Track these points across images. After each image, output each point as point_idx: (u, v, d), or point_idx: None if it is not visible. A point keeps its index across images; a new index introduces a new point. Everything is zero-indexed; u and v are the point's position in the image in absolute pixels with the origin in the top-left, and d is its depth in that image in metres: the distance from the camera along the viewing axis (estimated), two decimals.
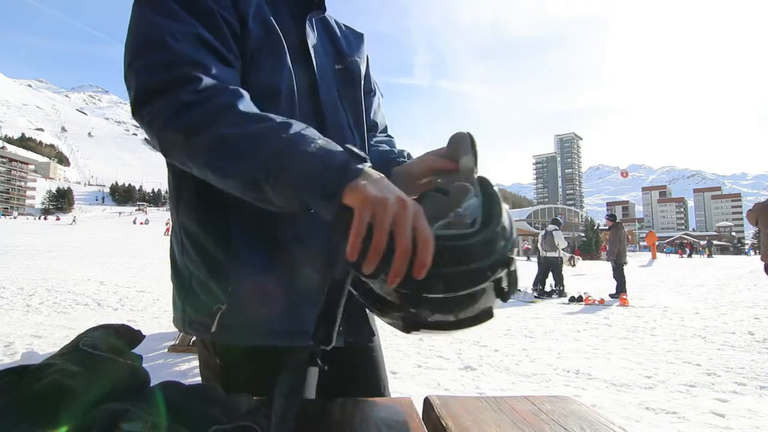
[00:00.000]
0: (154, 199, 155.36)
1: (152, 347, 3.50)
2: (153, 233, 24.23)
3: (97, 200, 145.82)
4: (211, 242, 0.63)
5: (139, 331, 0.41)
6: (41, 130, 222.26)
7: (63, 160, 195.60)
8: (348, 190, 0.44)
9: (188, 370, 3.02)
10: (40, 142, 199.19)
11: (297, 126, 0.51)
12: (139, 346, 0.41)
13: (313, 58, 0.70)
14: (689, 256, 25.97)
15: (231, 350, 0.64)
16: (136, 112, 0.54)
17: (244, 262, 0.61)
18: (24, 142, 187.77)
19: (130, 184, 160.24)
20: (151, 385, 0.35)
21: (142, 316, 4.85)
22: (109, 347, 0.35)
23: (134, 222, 56.07)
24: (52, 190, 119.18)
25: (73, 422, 0.28)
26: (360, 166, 0.46)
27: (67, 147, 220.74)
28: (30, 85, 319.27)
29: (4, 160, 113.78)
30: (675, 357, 3.60)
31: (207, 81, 0.53)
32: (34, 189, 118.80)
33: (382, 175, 0.47)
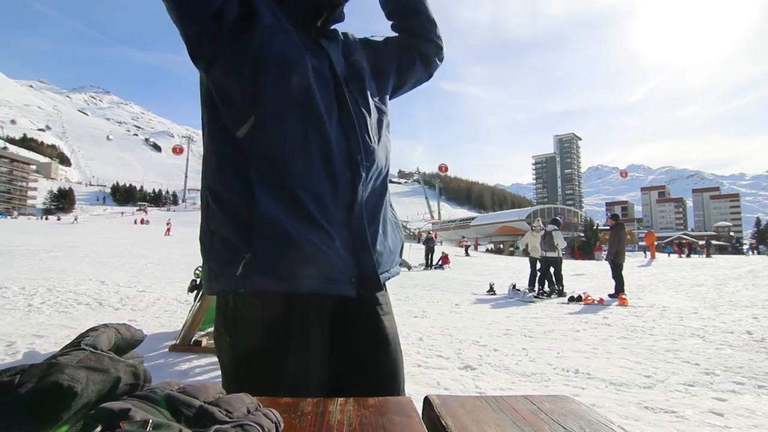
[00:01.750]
0: (155, 200, 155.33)
1: (153, 347, 3.50)
2: (154, 233, 24.21)
3: (98, 200, 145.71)
4: (236, 200, 0.68)
5: (140, 331, 0.41)
6: (42, 130, 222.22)
7: (64, 161, 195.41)
8: None
9: (189, 369, 3.02)
10: (42, 143, 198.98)
11: None
12: (141, 346, 0.41)
13: (327, 48, 0.80)
14: (688, 256, 25.91)
15: (251, 298, 0.68)
16: None
17: (266, 215, 0.66)
18: (26, 142, 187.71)
19: (131, 185, 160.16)
20: (152, 384, 0.35)
21: (143, 316, 4.86)
22: (110, 347, 0.36)
23: (135, 222, 56.06)
24: (53, 191, 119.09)
25: (73, 422, 0.28)
26: None
27: (68, 147, 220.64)
28: (31, 86, 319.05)
29: (5, 160, 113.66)
30: (674, 356, 3.61)
31: None
32: (35, 189, 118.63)
33: None
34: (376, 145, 0.81)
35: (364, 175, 0.76)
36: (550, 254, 8.44)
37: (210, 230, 0.71)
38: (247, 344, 0.69)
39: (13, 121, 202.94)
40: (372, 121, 0.83)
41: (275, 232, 0.66)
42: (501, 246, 47.80)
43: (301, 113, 0.71)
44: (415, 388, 2.72)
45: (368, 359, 0.79)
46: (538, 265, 8.77)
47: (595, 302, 7.08)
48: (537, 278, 8.68)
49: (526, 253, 9.92)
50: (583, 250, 36.58)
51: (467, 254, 17.21)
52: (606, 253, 9.39)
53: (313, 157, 0.71)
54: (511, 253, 9.31)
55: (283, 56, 0.71)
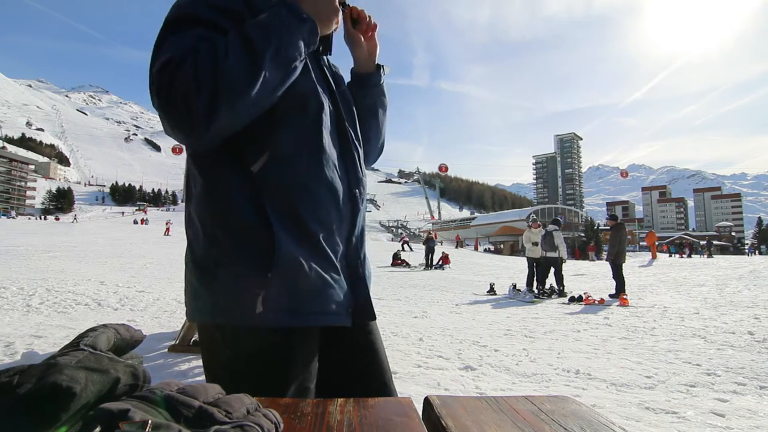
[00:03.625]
0: (154, 199, 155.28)
1: (152, 347, 3.49)
2: (153, 233, 24.20)
3: (97, 200, 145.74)
4: (251, 233, 0.68)
5: (139, 331, 0.41)
6: (41, 130, 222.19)
7: (63, 160, 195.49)
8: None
9: (188, 370, 3.02)
10: (40, 142, 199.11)
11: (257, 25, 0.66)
12: (140, 346, 0.41)
13: (330, 79, 0.84)
14: (689, 256, 25.88)
15: (259, 332, 0.68)
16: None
17: (286, 254, 0.67)
18: (24, 142, 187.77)
19: (130, 184, 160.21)
20: (152, 385, 0.34)
21: (143, 316, 4.85)
22: (109, 347, 0.35)
23: (135, 222, 56.09)
24: (52, 190, 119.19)
25: (72, 423, 0.28)
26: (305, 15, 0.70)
27: (67, 147, 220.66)
28: (30, 85, 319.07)
29: (4, 160, 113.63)
30: (675, 357, 3.60)
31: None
32: (34, 189, 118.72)
33: None
34: (366, 178, 0.87)
35: (361, 207, 0.81)
36: (550, 254, 8.43)
37: (214, 261, 0.69)
38: (248, 356, 0.69)
39: (29, 123, 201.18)
40: (361, 154, 0.87)
41: (296, 272, 0.68)
42: (501, 246, 47.76)
43: (312, 149, 0.74)
44: (415, 388, 2.71)
45: (362, 369, 0.81)
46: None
47: (596, 302, 7.07)
48: (536, 278, 8.67)
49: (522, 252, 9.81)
50: (584, 250, 36.63)
51: (403, 249, 17.96)
52: (606, 253, 9.36)
53: (322, 192, 0.73)
54: (519, 251, 9.13)
55: (301, 95, 0.74)
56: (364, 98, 0.96)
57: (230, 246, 0.68)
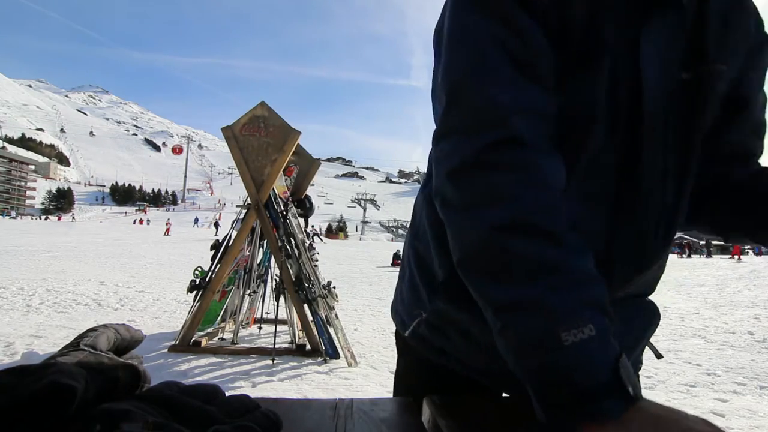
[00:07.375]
0: (154, 199, 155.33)
1: (152, 347, 3.50)
2: (153, 233, 24.19)
3: (97, 200, 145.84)
4: (434, 261, 0.60)
5: (139, 331, 0.41)
6: (41, 130, 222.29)
7: (63, 160, 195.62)
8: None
9: (188, 370, 3.02)
10: (41, 143, 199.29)
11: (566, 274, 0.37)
12: (140, 346, 0.41)
13: (644, 74, 0.46)
14: (688, 256, 25.91)
15: (414, 352, 0.68)
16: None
17: (452, 291, 0.57)
18: (24, 142, 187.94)
19: (130, 184, 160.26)
20: (152, 385, 0.34)
21: (142, 316, 4.86)
22: (109, 347, 0.35)
23: (134, 222, 56.15)
24: (52, 190, 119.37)
25: (73, 422, 0.28)
26: (613, 406, 0.32)
27: (67, 147, 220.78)
28: (30, 86, 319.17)
29: (4, 160, 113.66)
30: (675, 357, 3.61)
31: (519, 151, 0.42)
32: (34, 189, 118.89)
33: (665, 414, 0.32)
34: (664, 244, 0.54)
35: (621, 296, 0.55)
36: None
37: (409, 262, 0.67)
38: (412, 369, 0.71)
39: None
40: (675, 198, 0.52)
41: (453, 317, 0.59)
42: None
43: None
44: None
45: None
46: None
47: None
48: None
49: None
50: None
51: (322, 240, 18.90)
52: None
53: None
54: None
55: (567, 112, 0.50)
56: None
57: (422, 256, 0.65)
